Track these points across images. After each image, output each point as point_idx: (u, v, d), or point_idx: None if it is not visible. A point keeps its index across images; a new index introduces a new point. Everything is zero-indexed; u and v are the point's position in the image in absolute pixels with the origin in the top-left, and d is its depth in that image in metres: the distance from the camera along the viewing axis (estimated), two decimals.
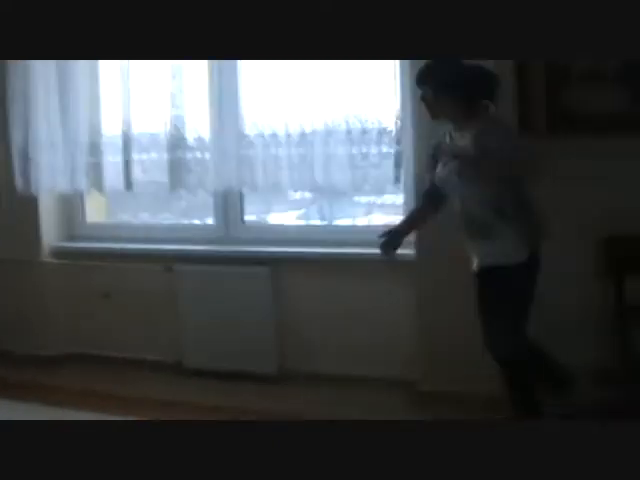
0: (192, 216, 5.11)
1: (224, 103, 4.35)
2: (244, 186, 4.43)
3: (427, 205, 3.53)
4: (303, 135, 4.22)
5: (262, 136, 4.29)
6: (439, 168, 3.29)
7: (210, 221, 4.79)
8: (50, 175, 4.74)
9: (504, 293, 3.19)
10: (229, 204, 4.62)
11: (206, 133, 4.43)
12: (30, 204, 4.89)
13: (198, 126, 4.46)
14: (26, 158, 4.75)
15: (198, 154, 4.44)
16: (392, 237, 3.51)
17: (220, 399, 4.25)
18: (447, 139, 3.30)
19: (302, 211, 5.00)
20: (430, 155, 3.41)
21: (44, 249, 4.97)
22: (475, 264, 3.27)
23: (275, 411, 4.00)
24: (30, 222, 4.94)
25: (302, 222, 4.92)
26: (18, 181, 4.78)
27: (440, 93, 3.15)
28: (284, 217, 5.00)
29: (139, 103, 4.57)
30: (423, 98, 3.24)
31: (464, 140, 3.14)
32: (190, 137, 4.47)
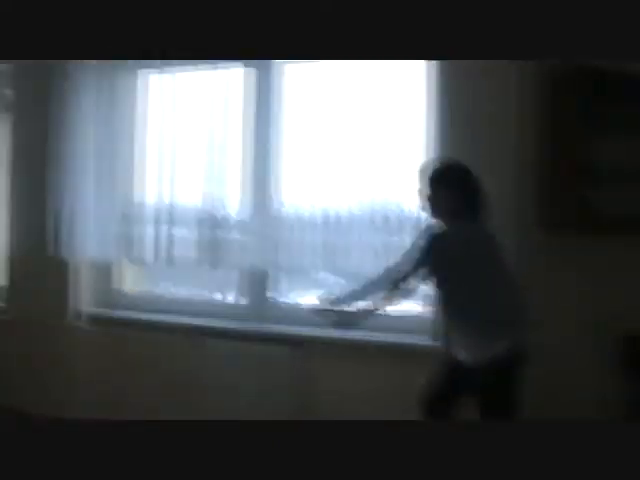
0: (220, 291, 5.31)
1: (257, 183, 4.65)
2: (270, 267, 4.65)
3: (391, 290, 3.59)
4: (329, 220, 4.47)
5: (291, 219, 4.54)
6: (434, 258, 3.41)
7: (237, 298, 5.00)
8: (85, 242, 5.02)
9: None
10: (256, 282, 4.84)
11: (238, 212, 4.70)
12: (65, 269, 5.17)
13: (231, 204, 4.72)
14: (63, 224, 5.05)
15: (229, 232, 4.69)
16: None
17: None
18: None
19: (323, 292, 5.15)
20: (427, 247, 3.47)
21: (78, 314, 5.22)
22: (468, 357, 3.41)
23: None
24: (65, 288, 5.21)
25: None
26: (54, 246, 5.08)
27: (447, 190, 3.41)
28: (307, 297, 5.16)
29: (177, 177, 4.86)
30: (429, 197, 3.47)
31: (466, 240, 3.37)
32: (223, 215, 4.72)
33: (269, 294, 4.88)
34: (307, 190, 4.54)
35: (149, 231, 4.91)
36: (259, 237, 4.60)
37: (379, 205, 4.38)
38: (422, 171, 3.54)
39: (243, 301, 4.94)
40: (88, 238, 5.01)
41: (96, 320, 5.19)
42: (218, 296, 5.19)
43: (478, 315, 3.31)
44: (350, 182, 4.44)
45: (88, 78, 5.00)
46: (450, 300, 3.43)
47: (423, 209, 3.58)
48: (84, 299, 5.24)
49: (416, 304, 4.31)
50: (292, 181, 4.62)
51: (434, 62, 4.18)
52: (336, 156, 4.46)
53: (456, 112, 4.10)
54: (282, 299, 4.88)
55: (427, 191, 3.47)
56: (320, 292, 4.80)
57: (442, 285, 3.44)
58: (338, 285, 4.92)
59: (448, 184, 3.41)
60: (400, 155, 4.34)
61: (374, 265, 4.27)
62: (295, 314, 4.76)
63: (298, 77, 4.65)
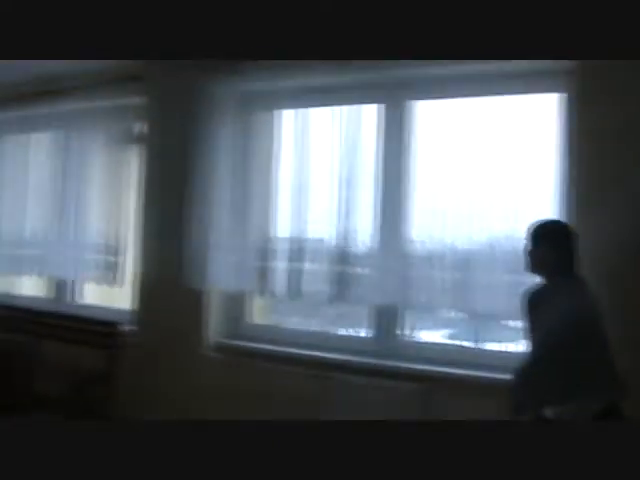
0: (348, 327, 5.37)
1: (389, 221, 4.68)
2: (401, 304, 4.66)
3: None
4: (459, 257, 4.47)
5: (421, 256, 4.57)
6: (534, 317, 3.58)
7: (365, 333, 5.04)
8: (221, 274, 5.18)
9: None
10: (385, 319, 4.86)
11: (369, 249, 4.74)
12: (200, 300, 5.35)
13: (362, 241, 4.79)
14: (200, 256, 5.23)
15: (360, 269, 4.74)
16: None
17: None
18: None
19: (452, 331, 5.15)
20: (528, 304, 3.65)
21: (208, 343, 5.39)
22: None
23: None
24: (198, 317, 5.39)
25: (451, 341, 5.06)
26: (191, 277, 5.27)
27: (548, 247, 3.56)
28: (434, 335, 5.16)
29: (310, 212, 4.96)
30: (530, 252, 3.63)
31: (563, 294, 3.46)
32: (354, 252, 4.79)
33: (398, 331, 4.89)
34: (438, 226, 4.55)
35: (280, 265, 5.03)
36: (389, 273, 4.63)
37: (511, 243, 4.34)
38: (528, 229, 3.71)
39: (371, 337, 4.96)
40: (221, 270, 5.16)
41: (225, 349, 5.35)
42: (346, 331, 5.24)
43: (572, 372, 3.30)
44: (481, 218, 4.41)
45: (224, 110, 5.19)
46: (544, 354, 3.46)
47: (525, 266, 3.73)
48: (214, 329, 5.40)
49: None
50: (422, 217, 4.62)
51: (565, 95, 4.17)
52: (467, 192, 4.45)
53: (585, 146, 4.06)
54: (411, 336, 4.89)
55: (528, 246, 3.67)
56: (449, 331, 4.82)
57: (535, 338, 3.55)
58: (465, 324, 4.91)
59: (545, 239, 3.60)
60: (532, 191, 4.30)
61: (504, 304, 4.27)
62: (423, 352, 4.76)
63: (428, 112, 4.68)
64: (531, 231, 3.68)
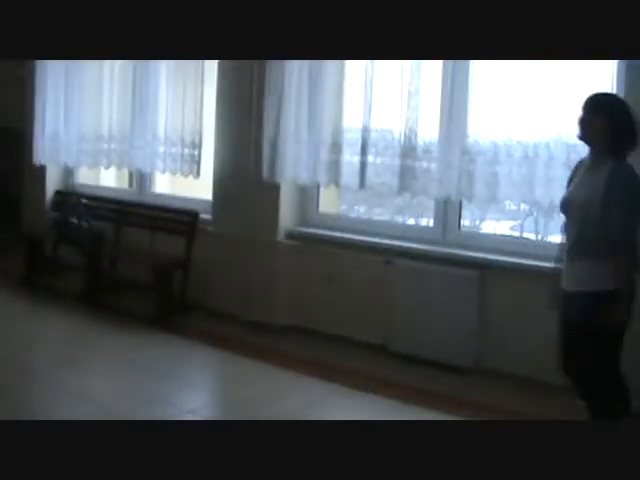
0: (413, 217, 5.87)
1: (453, 115, 5.03)
2: (463, 196, 5.10)
3: None
4: (525, 156, 4.81)
5: (484, 153, 4.93)
6: (572, 186, 3.83)
7: (429, 223, 5.52)
8: (293, 167, 5.70)
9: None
10: (448, 210, 5.33)
11: (434, 144, 5.14)
12: (274, 191, 5.90)
13: (427, 136, 5.18)
14: (275, 150, 5.75)
15: (425, 163, 5.17)
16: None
17: (416, 381, 4.99)
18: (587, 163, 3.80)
19: (517, 223, 5.58)
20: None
21: (281, 231, 5.97)
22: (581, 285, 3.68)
23: (466, 401, 4.70)
24: (271, 207, 5.95)
25: (516, 233, 5.49)
26: (266, 170, 5.80)
27: (607, 121, 3.64)
28: (499, 226, 5.61)
29: (379, 106, 5.38)
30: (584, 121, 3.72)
31: (599, 172, 3.65)
32: (419, 147, 5.20)
33: (460, 221, 5.36)
34: (504, 123, 4.88)
35: (349, 158, 5.49)
36: (453, 166, 5.03)
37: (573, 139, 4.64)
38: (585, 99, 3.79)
39: (436, 227, 5.46)
40: (293, 162, 5.67)
41: (296, 236, 5.93)
42: (412, 221, 5.74)
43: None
44: (546, 116, 4.72)
45: None
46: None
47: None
48: (286, 217, 5.97)
49: None
50: (487, 114, 4.96)
51: None
52: (531, 91, 4.75)
53: None
54: (472, 226, 5.33)
55: (581, 115, 3.75)
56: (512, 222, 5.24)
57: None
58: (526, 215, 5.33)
59: (596, 109, 3.66)
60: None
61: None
62: (482, 241, 5.24)
63: None
64: (587, 100, 3.72)
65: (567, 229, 3.82)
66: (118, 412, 4.48)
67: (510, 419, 4.34)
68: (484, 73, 4.95)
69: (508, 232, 5.51)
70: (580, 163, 3.91)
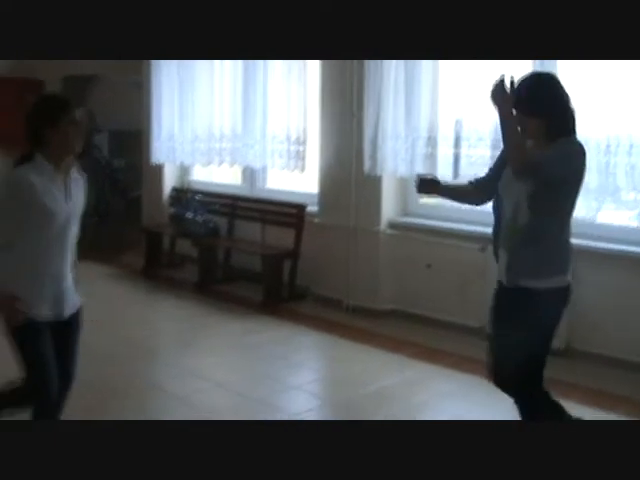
0: None
1: None
2: None
3: (472, 189, 3.99)
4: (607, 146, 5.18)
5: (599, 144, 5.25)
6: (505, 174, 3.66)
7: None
8: (393, 160, 6.19)
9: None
10: None
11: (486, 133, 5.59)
12: (376, 183, 6.42)
13: (480, 126, 5.62)
14: (375, 145, 6.27)
15: (480, 150, 5.65)
16: (428, 182, 4.04)
17: None
18: None
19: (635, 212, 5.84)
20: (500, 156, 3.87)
21: (383, 221, 6.49)
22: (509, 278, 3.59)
23: (560, 382, 5.07)
24: (374, 198, 6.48)
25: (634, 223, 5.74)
26: (367, 164, 6.34)
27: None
28: (616, 216, 5.88)
29: (470, 101, 5.82)
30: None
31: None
32: (473, 136, 5.67)
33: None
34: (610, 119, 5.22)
35: (444, 150, 5.95)
36: None
37: None
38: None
39: None
40: (393, 156, 6.17)
41: (397, 226, 6.44)
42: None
43: None
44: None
45: None
46: None
47: None
48: (389, 208, 6.48)
49: None
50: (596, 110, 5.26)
51: None
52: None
53: None
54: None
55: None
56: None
57: None
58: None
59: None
60: None
61: None
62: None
63: None
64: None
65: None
66: (230, 387, 5.11)
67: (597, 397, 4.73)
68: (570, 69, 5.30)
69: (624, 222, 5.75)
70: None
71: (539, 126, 3.41)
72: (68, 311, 3.47)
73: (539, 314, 3.51)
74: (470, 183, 4.04)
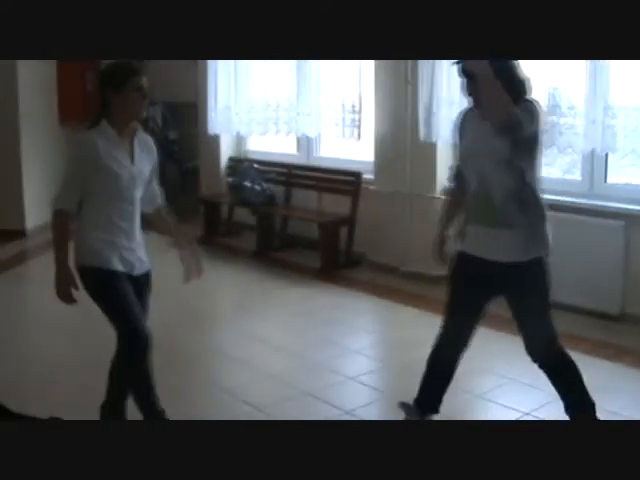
0: (561, 172, 6.36)
1: (597, 77, 5.49)
2: (608, 150, 5.57)
3: (459, 196, 3.83)
4: None
5: (625, 108, 5.37)
6: (468, 139, 3.68)
7: (577, 177, 6.01)
8: (448, 127, 6.30)
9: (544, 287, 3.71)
10: (595, 164, 5.80)
11: (578, 102, 5.62)
12: (430, 150, 6.55)
13: (571, 96, 5.66)
14: (429, 112, 6.41)
15: (570, 119, 5.66)
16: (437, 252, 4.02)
17: (566, 326, 5.48)
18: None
19: None
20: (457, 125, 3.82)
21: (437, 187, 6.62)
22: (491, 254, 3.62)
23: (612, 345, 5.21)
24: (428, 165, 6.62)
25: None
26: (422, 131, 6.48)
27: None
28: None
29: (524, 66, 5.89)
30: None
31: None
32: (564, 105, 5.69)
33: (605, 175, 5.82)
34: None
35: None
36: (597, 124, 5.51)
37: None
38: None
39: (581, 180, 5.94)
40: (445, 124, 6.28)
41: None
42: (558, 175, 6.26)
43: None
44: None
45: None
46: None
47: None
48: (444, 175, 6.59)
49: None
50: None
51: None
52: None
53: None
54: (615, 179, 5.79)
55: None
56: None
57: None
58: None
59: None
60: None
61: None
62: (626, 193, 5.70)
63: None
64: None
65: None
66: (289, 350, 5.34)
67: None
68: None
69: None
70: (465, 114, 3.79)
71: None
72: (139, 269, 3.69)
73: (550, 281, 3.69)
74: (452, 192, 4.00)
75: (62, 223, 3.53)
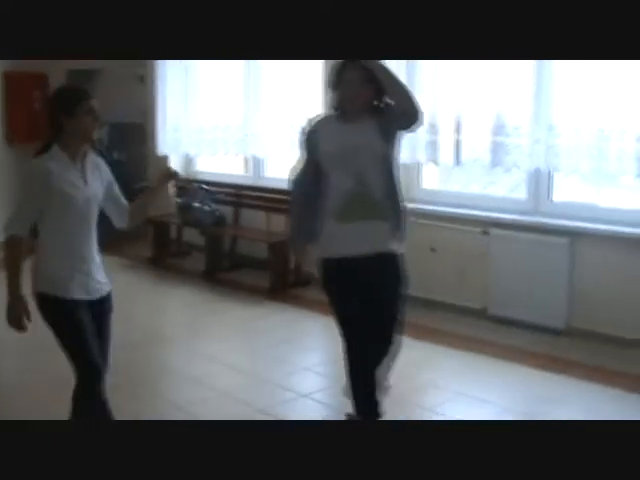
0: (510, 191, 6.53)
1: (539, 99, 5.68)
2: (552, 168, 5.74)
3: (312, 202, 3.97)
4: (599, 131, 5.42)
5: (568, 128, 5.54)
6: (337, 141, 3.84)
7: (522, 195, 6.16)
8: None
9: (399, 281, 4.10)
10: (540, 182, 5.95)
11: (522, 122, 5.78)
12: None
13: (516, 116, 5.82)
14: None
15: (515, 139, 5.82)
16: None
17: (514, 341, 5.67)
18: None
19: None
20: (304, 134, 4.00)
21: None
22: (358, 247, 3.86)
23: (559, 359, 5.35)
24: None
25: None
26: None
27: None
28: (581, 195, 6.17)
29: (468, 94, 6.09)
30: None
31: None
32: (509, 125, 5.86)
33: (550, 193, 5.98)
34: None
35: (448, 138, 6.21)
36: (541, 144, 5.68)
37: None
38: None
39: (526, 198, 6.09)
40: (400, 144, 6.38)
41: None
42: (504, 193, 6.43)
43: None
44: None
45: None
46: None
47: None
48: None
49: None
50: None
51: None
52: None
53: None
54: (560, 197, 5.96)
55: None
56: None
57: None
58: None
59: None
60: None
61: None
62: (570, 210, 5.86)
63: None
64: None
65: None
66: (242, 369, 5.38)
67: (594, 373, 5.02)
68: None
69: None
70: (319, 122, 3.98)
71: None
72: (99, 291, 3.68)
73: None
74: (303, 202, 4.09)
75: (15, 249, 3.49)
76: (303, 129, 4.05)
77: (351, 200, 3.81)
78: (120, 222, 3.82)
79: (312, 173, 3.94)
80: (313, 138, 3.91)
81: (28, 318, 3.51)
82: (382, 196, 3.84)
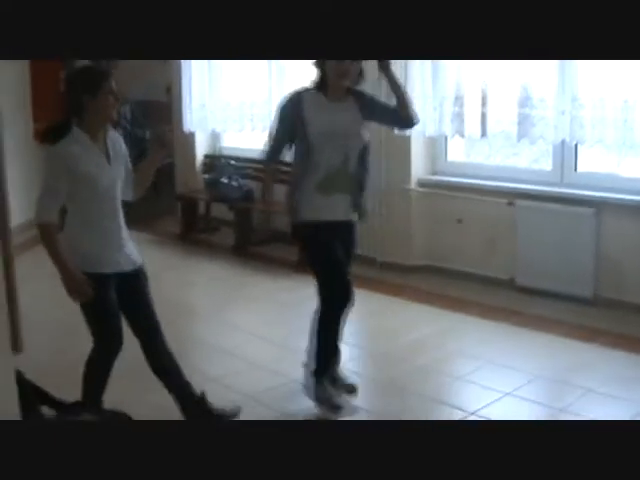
0: (533, 162, 6.60)
1: (564, 71, 5.71)
2: (576, 140, 5.80)
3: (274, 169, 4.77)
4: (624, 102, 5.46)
5: (593, 100, 5.60)
6: (321, 121, 4.16)
7: (548, 167, 6.25)
8: (422, 120, 6.47)
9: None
10: (565, 154, 6.03)
11: (547, 94, 5.83)
12: (405, 143, 6.75)
13: (541, 88, 5.86)
14: None
15: (540, 111, 5.87)
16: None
17: (541, 311, 5.78)
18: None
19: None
20: (286, 108, 4.25)
21: (413, 180, 6.84)
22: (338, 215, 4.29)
23: (586, 327, 5.45)
24: (404, 158, 6.82)
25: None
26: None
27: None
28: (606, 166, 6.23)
29: (494, 67, 6.13)
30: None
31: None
32: (535, 97, 5.90)
33: (575, 164, 6.06)
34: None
35: (474, 110, 6.28)
36: (566, 115, 5.74)
37: None
38: None
39: (552, 169, 6.18)
40: (422, 116, 6.46)
41: (428, 184, 6.79)
42: (526, 165, 6.50)
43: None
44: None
45: None
46: None
47: None
48: (419, 167, 6.81)
49: None
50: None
51: None
52: None
53: None
54: (584, 168, 6.04)
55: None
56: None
57: None
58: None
59: None
60: None
61: None
62: (595, 180, 5.95)
63: None
64: None
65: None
66: (272, 340, 5.55)
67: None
68: None
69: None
70: (302, 95, 4.25)
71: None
72: (131, 264, 3.83)
73: None
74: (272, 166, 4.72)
75: (49, 236, 3.59)
76: (284, 98, 4.35)
77: (335, 175, 4.21)
78: (127, 195, 3.92)
79: (287, 141, 4.33)
80: (297, 108, 4.20)
81: (87, 284, 3.63)
82: (355, 173, 4.27)
